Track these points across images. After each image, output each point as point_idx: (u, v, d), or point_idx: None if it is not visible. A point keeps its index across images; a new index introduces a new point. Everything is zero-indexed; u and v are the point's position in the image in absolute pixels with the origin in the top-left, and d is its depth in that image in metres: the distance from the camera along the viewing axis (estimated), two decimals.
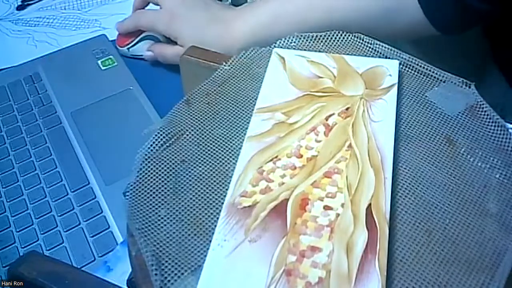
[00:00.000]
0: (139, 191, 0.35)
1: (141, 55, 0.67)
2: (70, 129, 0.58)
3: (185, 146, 0.38)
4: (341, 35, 0.46)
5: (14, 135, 0.58)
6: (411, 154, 0.37)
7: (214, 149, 0.38)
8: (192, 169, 0.37)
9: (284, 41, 0.46)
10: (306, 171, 0.35)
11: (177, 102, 0.41)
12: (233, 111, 0.41)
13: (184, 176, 0.36)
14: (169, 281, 0.31)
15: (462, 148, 0.37)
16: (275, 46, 0.45)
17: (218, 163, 0.37)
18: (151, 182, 0.36)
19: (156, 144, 0.38)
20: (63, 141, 0.57)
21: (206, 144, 0.38)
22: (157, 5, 0.63)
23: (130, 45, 0.66)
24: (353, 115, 0.38)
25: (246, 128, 0.38)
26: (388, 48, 0.44)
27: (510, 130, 0.37)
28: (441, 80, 0.42)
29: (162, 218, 0.34)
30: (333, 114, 0.39)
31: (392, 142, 0.37)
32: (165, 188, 0.36)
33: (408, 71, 0.43)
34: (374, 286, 0.29)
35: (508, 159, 0.36)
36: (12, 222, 0.50)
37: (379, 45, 0.44)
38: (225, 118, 0.40)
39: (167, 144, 0.38)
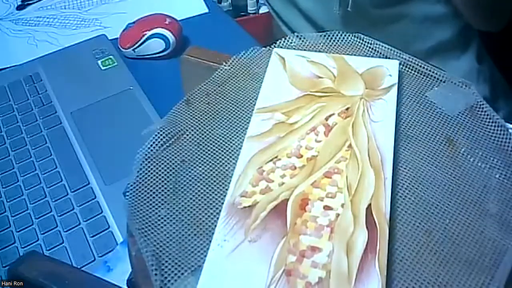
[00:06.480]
0: (139, 191, 0.35)
1: (148, 55, 0.67)
2: (70, 129, 0.58)
3: (185, 146, 0.38)
4: (341, 35, 0.46)
5: (14, 135, 0.58)
6: (411, 154, 0.37)
7: (214, 149, 0.38)
8: (192, 169, 0.37)
9: (284, 41, 0.46)
10: (306, 171, 0.35)
11: (177, 102, 0.41)
12: (233, 111, 0.41)
13: (184, 176, 0.36)
14: (169, 281, 0.31)
15: (462, 148, 0.37)
16: (275, 46, 0.45)
17: (218, 163, 0.37)
18: (151, 182, 0.36)
19: (156, 144, 0.38)
20: (63, 141, 0.57)
21: (206, 144, 0.38)
22: None
23: (136, 45, 0.66)
24: (353, 115, 0.38)
25: (246, 128, 0.38)
26: (388, 48, 0.44)
27: (510, 130, 0.37)
28: (441, 80, 0.42)
29: (162, 218, 0.34)
30: (333, 114, 0.39)
31: (392, 142, 0.36)
32: (165, 188, 0.36)
33: (408, 71, 0.43)
34: (374, 286, 0.29)
35: (508, 159, 0.36)
36: (12, 222, 0.50)
37: (379, 45, 0.44)
38: (225, 118, 0.40)
39: (167, 144, 0.38)
